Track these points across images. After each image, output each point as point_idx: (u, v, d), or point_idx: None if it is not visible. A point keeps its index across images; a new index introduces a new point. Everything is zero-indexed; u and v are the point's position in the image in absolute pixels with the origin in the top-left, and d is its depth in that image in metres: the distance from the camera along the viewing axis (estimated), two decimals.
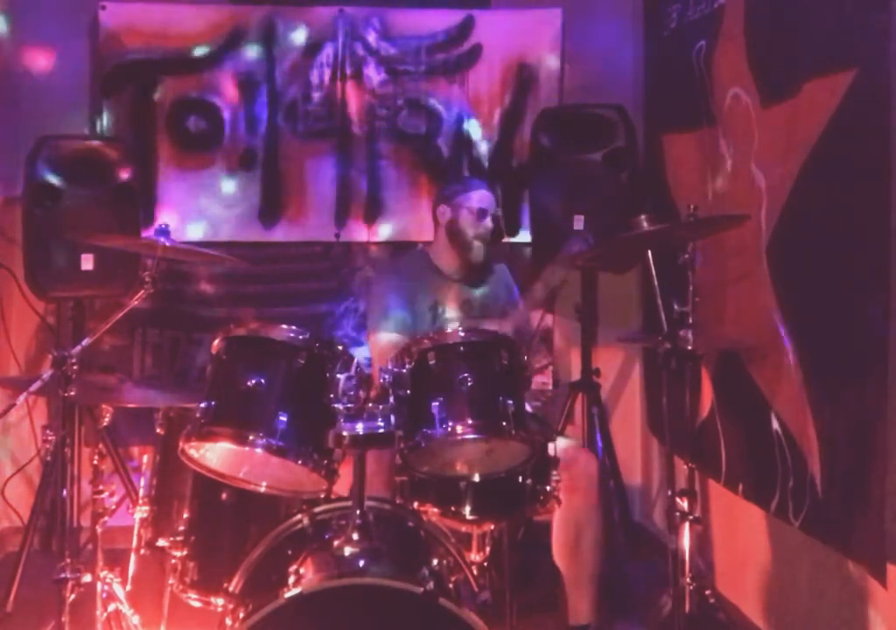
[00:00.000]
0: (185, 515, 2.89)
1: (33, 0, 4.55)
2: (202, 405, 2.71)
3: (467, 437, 2.65)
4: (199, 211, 4.65)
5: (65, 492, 2.88)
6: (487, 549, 2.84)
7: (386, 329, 3.54)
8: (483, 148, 4.78)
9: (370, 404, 2.67)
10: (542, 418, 3.10)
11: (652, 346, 3.15)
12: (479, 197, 3.70)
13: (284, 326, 2.75)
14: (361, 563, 2.52)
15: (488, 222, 3.67)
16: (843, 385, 2.99)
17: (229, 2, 4.67)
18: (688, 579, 2.93)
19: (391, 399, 2.65)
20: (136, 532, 2.94)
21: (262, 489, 2.77)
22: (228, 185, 4.68)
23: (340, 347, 2.80)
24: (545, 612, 3.52)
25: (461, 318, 3.60)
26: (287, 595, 2.39)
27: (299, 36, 4.66)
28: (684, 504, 2.94)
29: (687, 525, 2.91)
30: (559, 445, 2.88)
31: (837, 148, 2.98)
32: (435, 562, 2.70)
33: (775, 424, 3.37)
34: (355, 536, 2.54)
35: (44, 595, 2.95)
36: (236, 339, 2.78)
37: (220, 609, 2.78)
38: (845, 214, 2.96)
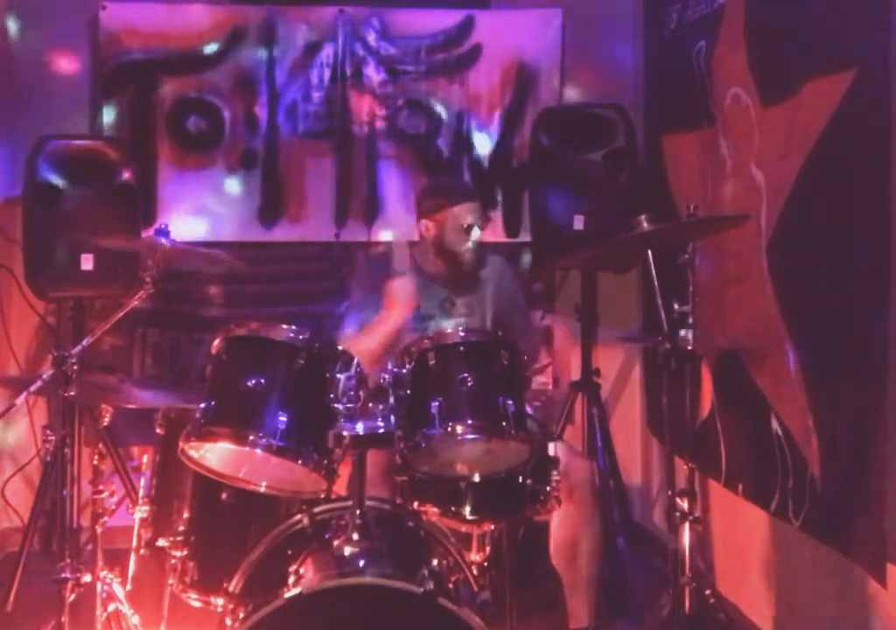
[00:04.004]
0: (185, 515, 2.89)
1: (34, 0, 4.55)
2: (202, 405, 2.71)
3: (467, 437, 2.65)
4: (199, 211, 4.65)
5: (65, 492, 2.88)
6: (487, 549, 2.83)
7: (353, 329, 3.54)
8: (483, 148, 4.78)
9: (370, 404, 2.67)
10: (540, 420, 3.09)
11: (652, 346, 3.15)
12: (464, 211, 3.50)
13: (284, 326, 2.75)
14: (361, 563, 2.52)
15: (476, 233, 3.50)
16: (843, 385, 2.99)
17: (229, 2, 4.67)
18: (688, 579, 2.93)
19: (391, 399, 2.65)
20: (136, 532, 2.93)
21: (262, 489, 2.77)
22: (228, 185, 4.68)
23: (340, 347, 2.80)
24: (545, 612, 3.51)
25: (442, 320, 3.53)
26: (287, 595, 2.39)
27: (299, 36, 4.66)
28: (684, 504, 2.93)
29: (687, 525, 2.91)
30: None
31: (837, 148, 2.98)
32: (435, 562, 2.70)
33: (775, 424, 3.37)
34: (355, 536, 2.54)
35: (44, 595, 2.95)
36: (236, 339, 2.78)
37: (220, 609, 2.78)
38: (845, 214, 2.96)
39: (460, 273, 3.59)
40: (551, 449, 2.83)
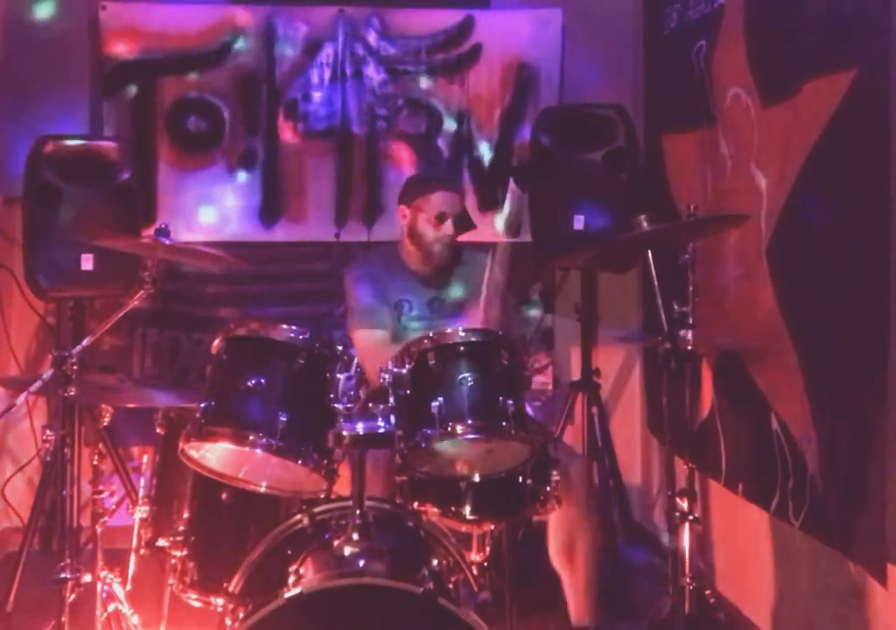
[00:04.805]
0: (185, 515, 2.90)
1: (34, 0, 4.55)
2: (202, 405, 2.71)
3: (467, 437, 2.64)
4: (199, 211, 4.65)
5: (65, 492, 2.88)
6: (487, 549, 2.83)
7: (369, 326, 3.52)
8: (483, 148, 4.78)
9: (370, 404, 2.67)
10: (540, 421, 3.08)
11: (652, 346, 3.14)
12: (439, 200, 3.56)
13: (284, 326, 2.76)
14: (361, 563, 2.53)
15: (448, 226, 3.53)
16: (843, 385, 2.99)
17: (229, 2, 4.68)
18: (688, 579, 2.93)
19: (391, 399, 2.65)
20: (136, 532, 2.94)
21: (262, 489, 2.77)
22: (228, 185, 4.68)
23: (340, 347, 2.80)
24: (545, 612, 3.52)
25: (426, 318, 3.55)
26: (287, 595, 2.40)
27: (299, 36, 4.66)
28: (684, 504, 2.93)
29: (687, 525, 2.91)
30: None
31: (837, 148, 2.98)
32: (435, 562, 2.70)
33: (775, 424, 3.37)
34: (355, 536, 2.54)
35: (44, 595, 2.95)
36: (236, 339, 2.79)
37: (220, 609, 2.78)
38: (845, 214, 2.96)
39: (434, 266, 3.60)
40: (552, 447, 2.83)
